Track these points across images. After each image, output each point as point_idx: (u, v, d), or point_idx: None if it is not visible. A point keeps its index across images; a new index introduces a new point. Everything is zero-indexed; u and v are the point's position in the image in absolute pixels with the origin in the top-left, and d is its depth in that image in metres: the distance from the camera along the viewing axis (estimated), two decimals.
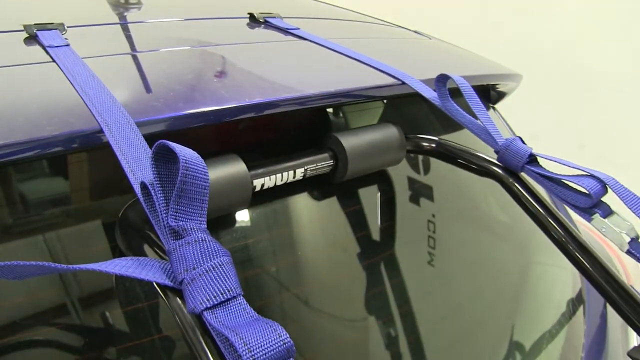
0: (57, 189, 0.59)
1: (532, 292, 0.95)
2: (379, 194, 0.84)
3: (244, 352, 0.34)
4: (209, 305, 0.38)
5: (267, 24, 0.97)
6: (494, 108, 1.14)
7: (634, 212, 0.57)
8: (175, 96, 0.61)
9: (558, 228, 0.69)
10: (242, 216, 0.69)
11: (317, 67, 0.82)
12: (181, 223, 0.42)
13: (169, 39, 0.84)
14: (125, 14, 0.96)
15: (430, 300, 0.81)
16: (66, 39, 0.72)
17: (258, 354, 0.34)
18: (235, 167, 0.60)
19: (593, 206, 0.61)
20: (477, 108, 0.71)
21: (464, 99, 0.72)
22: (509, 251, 0.97)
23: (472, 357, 0.81)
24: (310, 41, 0.89)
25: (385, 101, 0.91)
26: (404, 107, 0.93)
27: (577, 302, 0.98)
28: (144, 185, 0.44)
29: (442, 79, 0.73)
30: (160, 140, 0.42)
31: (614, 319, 0.97)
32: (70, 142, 0.51)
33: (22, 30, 0.74)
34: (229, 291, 0.39)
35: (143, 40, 0.82)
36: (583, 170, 0.62)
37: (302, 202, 0.75)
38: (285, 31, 0.93)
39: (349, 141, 0.71)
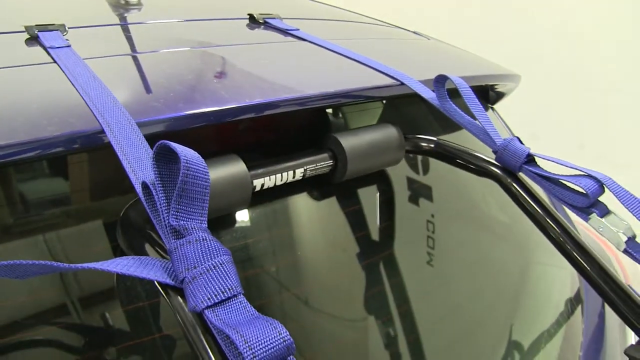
0: (58, 189, 0.60)
1: (530, 292, 0.96)
2: (378, 194, 0.84)
3: (245, 350, 0.34)
4: (210, 304, 0.39)
5: (267, 25, 0.97)
6: (492, 108, 1.14)
7: (631, 212, 0.57)
8: (175, 97, 0.61)
9: (556, 228, 0.70)
10: (242, 216, 0.69)
11: (317, 68, 0.82)
12: (182, 222, 0.42)
13: (169, 40, 0.84)
14: (126, 14, 0.96)
15: (429, 300, 0.82)
16: (67, 39, 0.72)
17: (258, 351, 0.35)
18: (235, 167, 0.61)
19: (590, 206, 0.62)
20: (475, 108, 0.72)
21: (463, 99, 0.72)
22: (507, 251, 0.98)
23: (471, 356, 0.81)
24: (310, 42, 0.90)
25: (384, 101, 0.92)
26: (403, 108, 0.93)
27: (575, 301, 0.98)
28: (145, 185, 0.45)
29: (441, 79, 0.73)
30: (162, 141, 0.43)
31: (612, 318, 0.97)
32: (72, 143, 0.52)
33: (23, 32, 0.75)
34: (229, 290, 0.39)
35: (143, 41, 0.82)
36: (580, 170, 0.62)
37: (301, 202, 0.75)
38: (285, 32, 0.94)
39: (349, 141, 0.72)
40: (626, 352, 0.58)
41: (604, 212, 0.62)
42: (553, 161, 0.65)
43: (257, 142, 0.75)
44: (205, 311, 0.38)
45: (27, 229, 0.56)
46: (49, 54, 0.68)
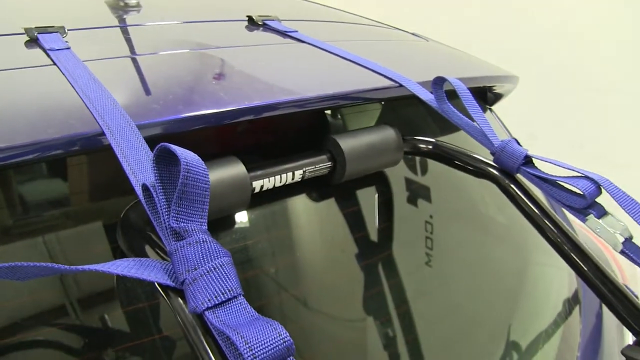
0: (57, 192, 0.60)
1: (528, 293, 0.96)
2: (376, 195, 0.85)
3: (245, 351, 0.35)
4: (210, 305, 0.39)
5: (266, 27, 0.98)
6: (490, 110, 1.15)
7: (628, 213, 0.58)
8: (175, 99, 0.61)
9: (553, 229, 0.70)
10: (242, 217, 0.69)
11: (316, 70, 0.82)
12: (182, 224, 0.42)
13: (168, 42, 0.85)
14: (125, 16, 0.97)
15: (428, 301, 0.82)
16: (67, 41, 0.72)
17: (259, 352, 0.35)
18: (234, 169, 0.61)
19: (588, 207, 0.62)
20: (473, 110, 0.72)
21: (461, 101, 0.73)
22: (505, 252, 0.98)
23: (470, 357, 0.82)
24: (309, 44, 0.90)
25: (382, 103, 0.92)
26: (401, 109, 0.94)
27: (573, 302, 0.99)
28: (145, 187, 0.45)
29: (439, 81, 0.74)
30: (162, 143, 0.43)
31: (610, 319, 0.98)
32: (73, 145, 0.52)
33: (23, 34, 0.75)
34: (229, 291, 0.40)
35: (143, 43, 0.82)
36: (578, 172, 0.62)
37: (300, 204, 0.76)
38: (284, 34, 0.94)
39: (347, 143, 0.72)
40: (623, 353, 0.58)
41: (601, 213, 0.62)
42: (551, 162, 0.65)
43: (256, 143, 0.75)
44: (206, 312, 0.39)
45: (27, 231, 0.57)
46: (48, 56, 0.68)
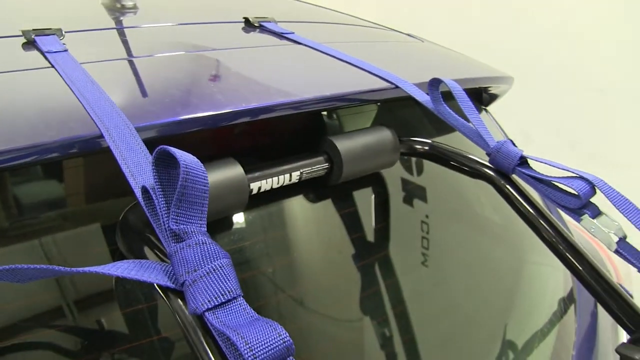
0: (54, 194, 0.60)
1: (524, 292, 0.97)
2: (373, 196, 0.85)
3: (245, 351, 0.35)
4: (210, 306, 0.39)
5: (262, 29, 0.98)
6: (486, 110, 1.15)
7: (622, 213, 0.58)
8: (173, 101, 0.62)
9: (549, 229, 0.70)
10: (240, 219, 0.70)
11: (312, 72, 0.83)
12: (182, 226, 0.43)
13: (165, 44, 0.85)
14: (121, 18, 0.97)
15: (424, 300, 0.83)
16: (64, 44, 0.73)
17: (259, 352, 0.36)
18: (232, 171, 0.61)
19: (582, 207, 0.63)
20: (469, 111, 0.72)
21: (457, 102, 0.73)
22: (501, 252, 0.99)
23: (466, 356, 0.82)
24: (305, 45, 0.90)
25: (378, 104, 0.93)
26: (397, 110, 0.94)
27: (568, 301, 0.99)
28: (145, 190, 0.45)
29: (435, 82, 0.74)
30: (161, 146, 0.43)
31: (605, 318, 0.98)
32: (72, 148, 0.52)
33: (20, 36, 0.75)
34: (229, 292, 0.40)
35: (140, 45, 0.82)
36: (572, 172, 0.63)
37: (298, 205, 0.76)
38: (280, 35, 0.95)
39: (344, 144, 0.73)
40: (617, 351, 0.59)
41: (596, 213, 0.63)
42: (545, 163, 0.65)
43: (253, 145, 0.76)
44: (206, 313, 0.39)
45: (26, 233, 0.57)
46: (46, 58, 0.68)
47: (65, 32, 0.77)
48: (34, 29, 0.75)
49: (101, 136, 0.52)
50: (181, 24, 0.96)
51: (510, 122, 1.19)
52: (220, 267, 0.41)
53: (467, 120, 0.73)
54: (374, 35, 1.21)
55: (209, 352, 0.41)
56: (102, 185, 0.63)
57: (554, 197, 0.65)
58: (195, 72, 0.74)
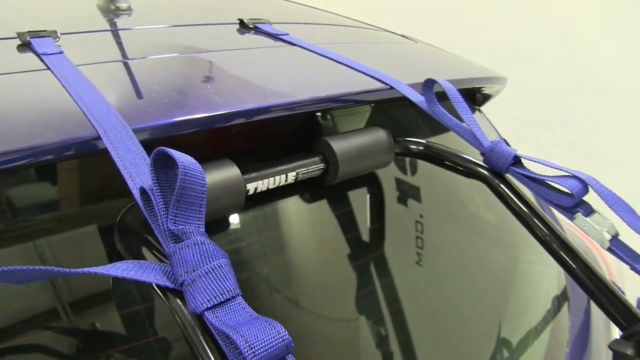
0: (50, 196, 0.60)
1: (518, 291, 0.97)
2: (368, 196, 0.86)
3: (245, 349, 0.36)
4: (209, 306, 0.40)
5: (257, 30, 0.98)
6: (479, 110, 1.16)
7: (614, 211, 0.59)
8: (170, 103, 0.62)
9: (542, 227, 0.71)
10: (237, 219, 0.70)
11: (307, 73, 0.83)
12: (180, 227, 0.43)
13: (161, 46, 0.85)
14: (116, 20, 0.97)
15: (419, 300, 0.83)
16: (59, 46, 0.73)
17: (259, 351, 0.36)
18: (229, 172, 0.62)
19: (575, 205, 0.63)
20: (463, 111, 0.73)
21: (451, 102, 0.74)
22: (496, 251, 1.00)
23: (462, 354, 0.83)
24: (300, 46, 0.91)
25: (372, 105, 0.93)
26: (392, 111, 0.95)
27: (562, 299, 1.00)
28: (143, 191, 0.46)
29: (429, 83, 0.75)
30: (159, 147, 0.43)
31: (598, 315, 0.99)
32: (69, 150, 0.52)
33: (15, 38, 0.75)
34: (228, 291, 0.40)
35: (136, 47, 0.83)
36: (565, 171, 0.64)
37: (294, 205, 0.76)
38: (275, 37, 0.95)
39: (339, 145, 0.73)
40: (610, 347, 0.60)
41: (589, 211, 0.63)
42: (539, 162, 0.66)
43: (249, 146, 0.76)
44: (205, 313, 0.39)
45: (22, 235, 0.57)
46: (42, 60, 0.68)
47: (60, 34, 0.77)
48: (29, 31, 0.75)
49: (99, 138, 0.53)
50: (176, 26, 0.97)
51: (506, 122, 1.20)
52: (219, 266, 0.41)
53: (461, 120, 0.74)
54: (368, 36, 1.22)
55: (209, 351, 0.41)
56: (98, 187, 0.63)
57: (547, 195, 0.66)
58: (192, 73, 0.75)
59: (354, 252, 0.78)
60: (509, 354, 0.86)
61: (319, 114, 0.85)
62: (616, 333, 0.94)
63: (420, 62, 1.10)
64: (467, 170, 0.77)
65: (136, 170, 0.50)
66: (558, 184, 0.64)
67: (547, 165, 0.65)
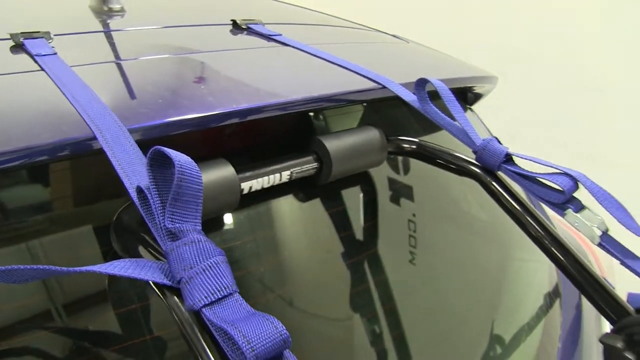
0: (45, 197, 0.60)
1: (511, 288, 0.98)
2: (361, 194, 0.86)
3: (244, 344, 0.36)
4: (207, 302, 0.40)
5: (250, 31, 0.99)
6: (471, 109, 1.17)
7: (604, 207, 0.60)
8: (165, 103, 0.62)
9: (534, 224, 0.72)
10: (232, 218, 0.70)
11: (300, 73, 0.84)
12: (177, 225, 0.43)
13: (155, 47, 0.85)
14: (109, 21, 0.97)
15: (413, 297, 0.84)
16: (53, 47, 0.73)
17: (257, 345, 0.36)
18: (224, 171, 0.62)
19: (566, 202, 0.64)
20: (455, 110, 0.74)
21: (443, 101, 0.74)
22: (488, 248, 1.00)
23: (456, 350, 0.83)
24: (293, 47, 0.91)
25: (365, 104, 0.94)
26: (385, 110, 0.95)
27: (554, 295, 1.01)
28: (140, 190, 0.46)
29: (421, 82, 0.76)
30: (156, 146, 0.44)
31: (589, 311, 1.01)
32: (65, 150, 0.53)
33: (8, 39, 0.75)
34: (225, 288, 0.41)
35: (129, 48, 0.83)
36: (556, 168, 0.65)
37: (288, 204, 0.77)
38: (268, 37, 0.95)
39: (333, 144, 0.74)
40: (601, 340, 0.61)
41: (579, 207, 0.64)
42: (530, 160, 0.67)
43: (243, 146, 0.76)
44: (203, 309, 0.40)
45: (16, 236, 0.57)
46: (35, 61, 0.68)
47: (53, 35, 0.77)
48: (22, 32, 0.75)
49: (94, 138, 0.53)
50: (169, 27, 0.97)
51: (504, 121, 1.21)
52: (216, 264, 0.42)
53: (453, 119, 0.75)
54: (360, 36, 1.23)
55: (207, 348, 0.41)
56: (93, 187, 0.63)
57: (538, 192, 0.67)
58: (186, 74, 0.75)
59: (348, 251, 0.79)
60: (502, 351, 0.87)
61: (312, 113, 0.86)
62: (607, 327, 0.96)
63: (412, 62, 1.11)
64: (459, 168, 0.78)
65: (132, 169, 0.50)
66: (549, 180, 0.64)
67: (538, 163, 0.66)
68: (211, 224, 0.68)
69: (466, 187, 0.95)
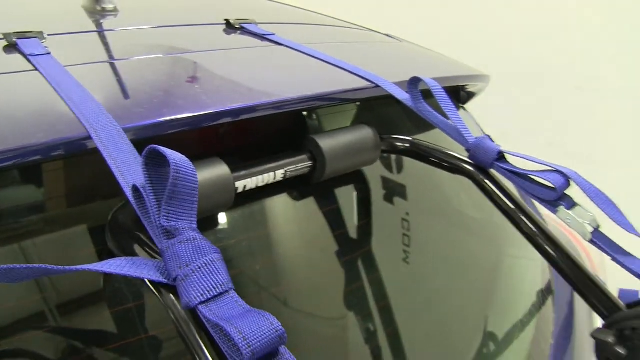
0: (38, 197, 0.60)
1: (504, 285, 0.99)
2: (355, 193, 0.87)
3: (240, 341, 0.36)
4: (203, 300, 0.40)
5: (244, 30, 0.99)
6: (464, 108, 1.18)
7: (596, 204, 0.60)
8: (159, 102, 0.63)
9: (527, 221, 0.73)
10: (226, 217, 0.71)
11: (294, 72, 0.84)
12: (173, 223, 0.44)
13: (148, 47, 0.85)
14: (102, 21, 0.97)
15: (407, 295, 0.84)
16: (46, 47, 0.73)
17: (253, 342, 0.37)
18: (219, 170, 0.62)
19: (558, 199, 0.65)
20: (448, 109, 0.74)
21: (436, 100, 0.75)
22: (482, 246, 1.01)
23: (450, 347, 0.84)
24: (286, 46, 0.92)
25: (358, 103, 0.94)
26: (378, 109, 0.96)
27: (546, 292, 1.02)
28: (135, 189, 0.46)
29: (414, 81, 0.76)
30: (151, 145, 0.44)
31: (581, 307, 1.01)
32: (60, 149, 0.53)
33: (1, 39, 0.75)
34: (221, 285, 0.41)
35: (123, 48, 0.83)
36: (548, 166, 0.65)
37: (282, 202, 0.77)
38: (262, 37, 0.96)
39: (327, 143, 0.74)
40: (593, 335, 0.62)
41: (571, 204, 0.65)
42: (523, 158, 0.68)
43: (238, 145, 0.77)
44: (199, 307, 0.40)
45: (12, 236, 0.57)
46: (29, 61, 0.68)
47: (47, 35, 0.77)
48: (15, 32, 0.75)
49: (89, 137, 0.53)
50: (163, 27, 0.97)
51: (489, 121, 1.22)
52: (211, 261, 0.42)
53: (446, 117, 0.75)
54: (353, 35, 1.23)
55: (203, 345, 0.42)
56: (88, 187, 0.64)
57: (531, 190, 0.67)
58: (180, 73, 0.75)
59: (342, 248, 0.79)
60: (495, 347, 0.87)
61: (305, 112, 0.86)
62: (599, 323, 0.97)
63: (405, 61, 1.11)
64: (452, 166, 0.79)
65: (128, 168, 0.50)
66: (541, 178, 0.65)
67: (530, 161, 0.67)
68: (206, 223, 0.68)
69: (459, 185, 0.96)
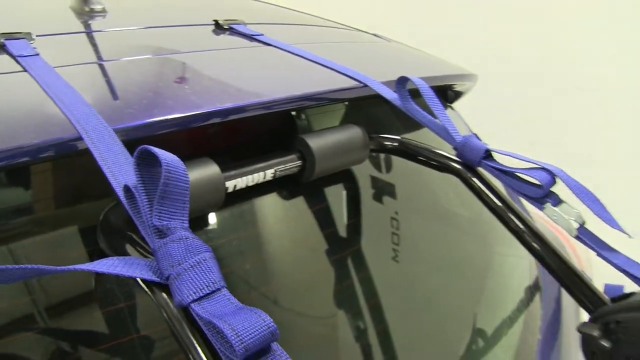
0: (28, 198, 0.60)
1: (492, 281, 1.00)
2: (344, 192, 0.87)
3: (232, 337, 0.37)
4: (195, 298, 0.41)
5: (232, 31, 0.99)
6: (451, 107, 1.19)
7: (581, 199, 0.62)
8: (149, 103, 0.63)
9: (514, 218, 0.74)
10: (217, 217, 0.71)
11: (283, 72, 0.85)
12: (165, 222, 0.44)
13: (137, 47, 0.85)
14: (91, 22, 0.97)
15: (396, 293, 0.85)
16: (35, 48, 0.73)
17: (245, 338, 0.37)
18: (209, 170, 0.63)
19: (544, 196, 0.66)
20: (435, 108, 0.75)
21: (423, 99, 0.76)
22: (470, 243, 1.02)
23: (439, 344, 0.85)
24: (275, 46, 0.92)
25: (347, 103, 0.95)
26: (366, 108, 0.97)
27: (534, 288, 1.03)
28: (127, 189, 0.47)
29: (402, 80, 0.77)
30: (142, 146, 0.44)
31: (568, 303, 1.03)
32: (50, 150, 0.53)
33: None
34: (213, 283, 0.42)
35: (112, 49, 0.83)
36: (534, 164, 0.66)
37: (272, 202, 0.78)
38: (250, 37, 0.96)
39: (316, 142, 0.74)
40: (579, 329, 0.63)
41: (557, 201, 0.66)
42: (509, 155, 0.69)
43: (227, 145, 0.77)
44: (192, 305, 0.41)
45: (4, 237, 0.57)
46: (18, 62, 0.68)
47: (35, 36, 0.77)
48: (2, 33, 0.75)
49: (80, 138, 0.53)
50: (151, 27, 0.97)
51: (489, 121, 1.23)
52: (204, 260, 0.43)
53: (434, 116, 0.76)
54: (342, 35, 1.24)
55: (195, 343, 0.42)
56: (78, 188, 0.64)
57: (518, 187, 0.68)
58: (169, 74, 0.75)
59: (332, 247, 0.80)
60: (484, 343, 0.88)
61: (295, 112, 0.87)
62: (585, 317, 0.98)
63: (393, 61, 1.12)
64: (440, 164, 0.80)
65: (119, 169, 0.51)
66: (528, 175, 0.66)
67: (517, 158, 0.68)
68: (197, 222, 0.69)
69: (448, 184, 0.97)
